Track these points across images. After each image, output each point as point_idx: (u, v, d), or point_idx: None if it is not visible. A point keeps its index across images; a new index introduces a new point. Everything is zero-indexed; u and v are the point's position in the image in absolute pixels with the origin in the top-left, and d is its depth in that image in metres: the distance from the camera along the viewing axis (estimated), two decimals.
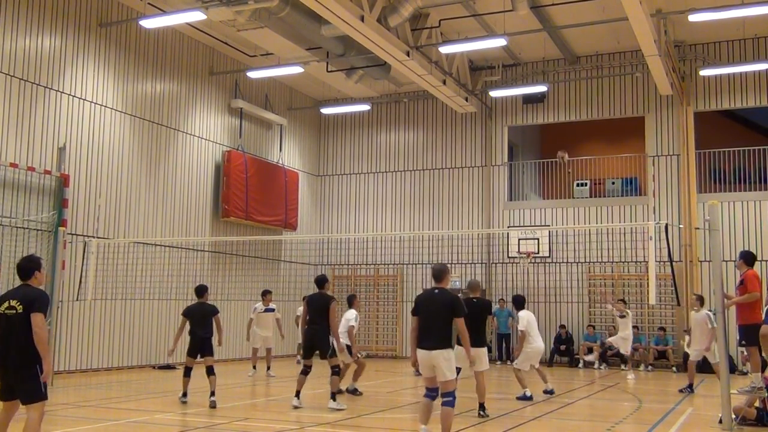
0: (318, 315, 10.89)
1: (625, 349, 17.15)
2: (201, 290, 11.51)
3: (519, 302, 12.67)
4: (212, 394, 10.85)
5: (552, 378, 17.04)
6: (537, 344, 12.35)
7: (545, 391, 12.77)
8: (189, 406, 11.19)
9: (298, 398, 10.87)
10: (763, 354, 7.15)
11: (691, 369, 14.12)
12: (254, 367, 16.01)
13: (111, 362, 16.56)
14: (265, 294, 16.15)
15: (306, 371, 10.97)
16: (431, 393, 7.86)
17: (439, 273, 7.99)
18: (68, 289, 14.94)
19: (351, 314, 12.64)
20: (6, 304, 6.36)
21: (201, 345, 11.09)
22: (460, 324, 7.84)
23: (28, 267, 6.60)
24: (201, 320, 11.17)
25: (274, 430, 9.16)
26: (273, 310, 16.20)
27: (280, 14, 16.00)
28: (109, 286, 15.49)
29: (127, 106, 17.45)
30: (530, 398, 11.98)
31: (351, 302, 12.91)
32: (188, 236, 18.88)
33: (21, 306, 6.29)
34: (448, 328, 7.77)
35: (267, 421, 10.13)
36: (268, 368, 16.04)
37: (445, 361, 7.64)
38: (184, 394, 11.21)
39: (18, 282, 6.65)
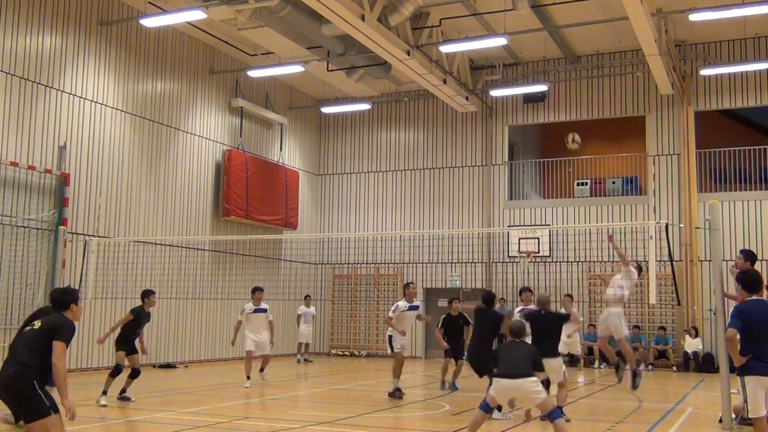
0: (486, 333, 10.59)
1: (575, 349, 16.78)
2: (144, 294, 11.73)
3: None
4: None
5: None
6: None
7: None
8: (189, 405, 11.19)
9: (501, 411, 10.01)
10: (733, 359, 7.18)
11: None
12: (249, 377, 13.53)
13: (111, 361, 16.51)
14: (255, 291, 14.12)
15: None
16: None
17: (546, 301, 10.06)
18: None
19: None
20: (30, 327, 5.88)
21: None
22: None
23: (62, 299, 5.99)
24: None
25: (275, 430, 9.16)
26: (265, 310, 14.03)
27: (280, 13, 15.99)
28: (110, 285, 15.48)
29: (127, 105, 17.45)
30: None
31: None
32: (188, 235, 18.88)
33: (41, 324, 5.75)
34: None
35: (267, 420, 10.13)
36: (262, 369, 14.23)
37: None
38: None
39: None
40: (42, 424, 5.52)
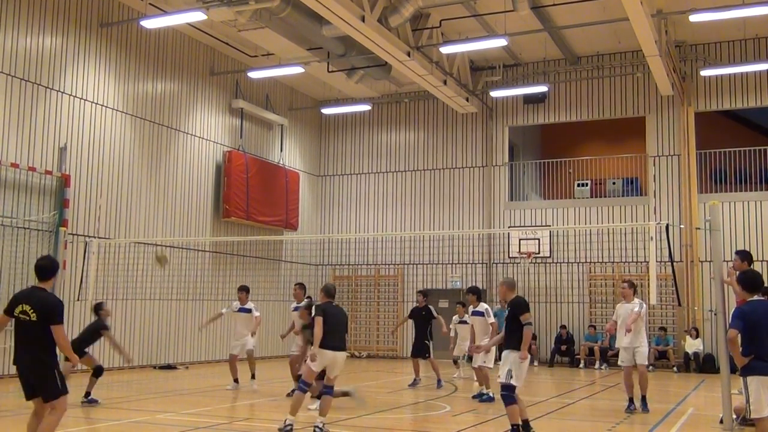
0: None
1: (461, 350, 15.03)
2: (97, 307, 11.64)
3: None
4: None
5: (552, 378, 17.09)
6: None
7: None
8: (190, 406, 11.18)
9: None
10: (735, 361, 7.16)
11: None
12: (236, 381, 13.27)
13: (112, 362, 16.52)
14: (241, 290, 13.57)
15: None
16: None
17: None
18: (69, 289, 14.95)
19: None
20: (20, 308, 6.28)
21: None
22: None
23: (51, 267, 6.53)
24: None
25: (275, 430, 9.15)
26: (249, 310, 13.43)
27: (280, 14, 15.99)
28: (110, 286, 15.49)
29: (128, 106, 17.46)
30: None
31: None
32: (189, 236, 18.89)
33: (35, 314, 6.22)
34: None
35: (268, 421, 10.12)
36: (253, 377, 13.35)
37: None
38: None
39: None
40: (62, 402, 6.39)
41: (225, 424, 9.43)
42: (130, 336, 17.07)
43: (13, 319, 6.39)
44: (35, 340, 6.23)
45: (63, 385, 6.36)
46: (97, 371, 10.95)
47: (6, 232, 14.33)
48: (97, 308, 11.47)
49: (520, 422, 8.27)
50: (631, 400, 10.94)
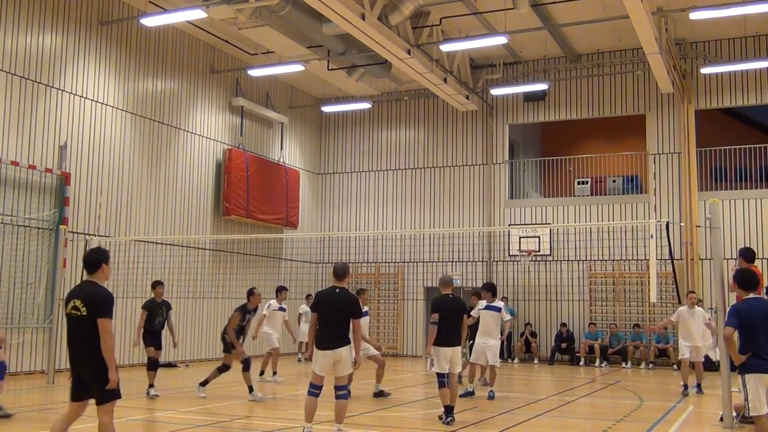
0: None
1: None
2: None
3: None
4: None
5: (553, 376, 17.10)
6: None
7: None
8: (190, 404, 11.19)
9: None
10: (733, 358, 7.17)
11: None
12: (263, 373, 14.72)
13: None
14: (281, 291, 14.85)
15: None
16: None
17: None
18: (69, 287, 14.86)
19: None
20: (71, 304, 6.06)
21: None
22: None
23: (95, 259, 6.22)
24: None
25: (276, 428, 9.16)
26: (285, 309, 14.96)
27: (281, 12, 16.00)
28: (110, 284, 15.41)
29: (128, 104, 17.46)
30: None
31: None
32: (189, 234, 18.90)
33: (85, 308, 5.98)
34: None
35: (269, 419, 10.13)
36: (275, 373, 14.72)
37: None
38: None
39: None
40: (111, 405, 6.35)
41: (225, 422, 9.43)
42: (129, 334, 17.04)
43: (66, 317, 6.18)
44: (88, 336, 5.96)
45: (117, 389, 6.09)
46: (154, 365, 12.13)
47: (6, 231, 14.34)
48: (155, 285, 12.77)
49: (448, 404, 9.34)
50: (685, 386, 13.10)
